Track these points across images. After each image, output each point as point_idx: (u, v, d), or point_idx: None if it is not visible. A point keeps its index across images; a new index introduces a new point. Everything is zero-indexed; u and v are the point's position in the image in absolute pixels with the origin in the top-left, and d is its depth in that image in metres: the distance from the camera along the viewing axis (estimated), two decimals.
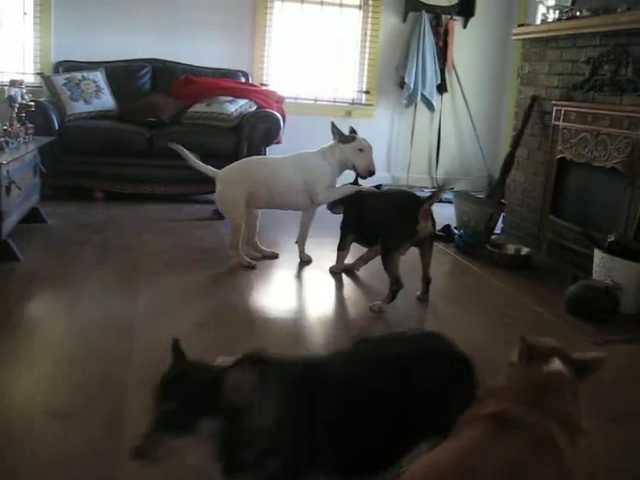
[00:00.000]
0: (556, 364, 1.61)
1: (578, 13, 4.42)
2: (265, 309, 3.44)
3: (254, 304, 3.48)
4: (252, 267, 4.04)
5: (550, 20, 4.78)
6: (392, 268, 3.53)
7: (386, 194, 3.95)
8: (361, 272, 4.12)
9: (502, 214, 5.15)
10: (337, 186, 4.18)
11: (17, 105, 4.48)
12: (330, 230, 4.29)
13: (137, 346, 2.80)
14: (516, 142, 5.03)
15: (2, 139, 4.13)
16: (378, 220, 3.69)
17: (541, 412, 1.47)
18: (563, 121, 4.52)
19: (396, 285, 3.49)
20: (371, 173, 4.11)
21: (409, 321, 3.41)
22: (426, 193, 6.79)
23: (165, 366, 1.59)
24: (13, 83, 4.53)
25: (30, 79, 6.25)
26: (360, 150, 4.11)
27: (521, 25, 5.26)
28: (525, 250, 4.57)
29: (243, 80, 6.47)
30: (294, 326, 3.21)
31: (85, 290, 3.47)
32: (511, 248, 4.63)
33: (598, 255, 3.74)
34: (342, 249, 4.07)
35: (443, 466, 1.34)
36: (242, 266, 4.03)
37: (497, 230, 5.10)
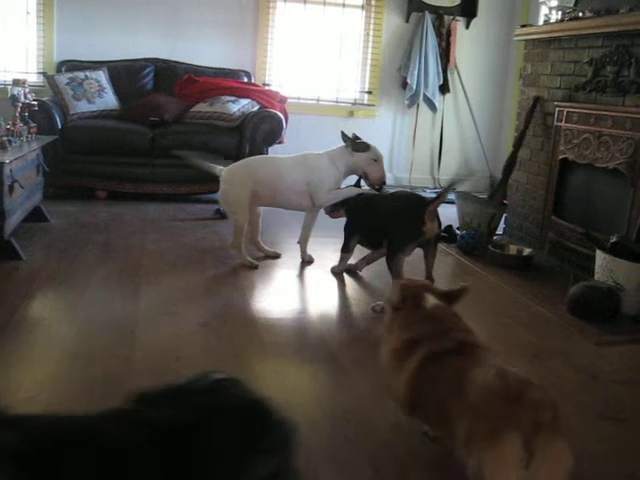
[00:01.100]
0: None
1: (581, 14, 4.42)
2: (267, 309, 3.44)
3: (256, 304, 3.48)
4: (254, 267, 4.04)
5: (553, 21, 4.78)
6: (396, 269, 3.55)
7: (392, 195, 3.92)
8: (363, 272, 4.12)
9: (504, 215, 5.14)
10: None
11: (20, 104, 4.50)
12: (332, 230, 4.30)
13: (139, 345, 2.81)
14: (518, 143, 5.03)
15: (5, 138, 4.15)
16: (383, 222, 3.70)
17: (453, 332, 2.03)
18: (565, 122, 4.52)
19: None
20: (383, 183, 4.10)
21: None
22: (429, 194, 6.83)
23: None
24: (16, 82, 4.53)
25: (33, 78, 6.26)
26: (375, 160, 4.08)
27: (524, 26, 5.25)
28: (527, 251, 4.56)
29: (245, 80, 6.48)
30: (296, 326, 3.21)
31: (87, 289, 3.47)
32: (513, 249, 4.63)
33: (600, 256, 3.74)
34: (346, 251, 4.07)
35: None
36: (244, 266, 4.03)
37: (499, 231, 5.10)
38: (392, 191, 4.08)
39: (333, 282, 3.95)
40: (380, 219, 3.76)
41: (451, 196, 6.28)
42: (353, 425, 2.28)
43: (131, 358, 2.68)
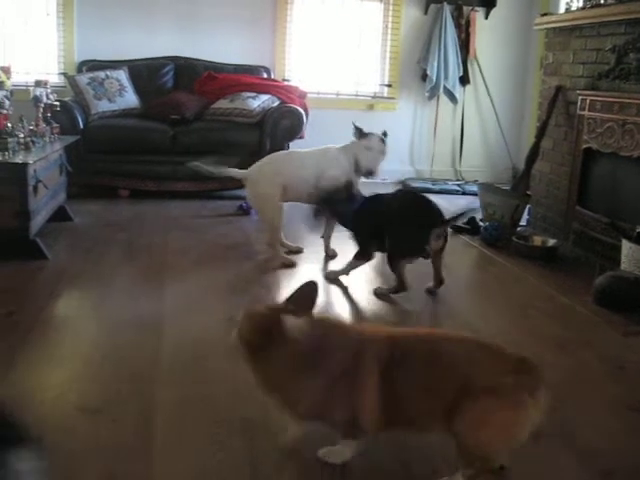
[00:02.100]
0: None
1: (602, 1, 4.37)
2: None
3: (281, 299, 3.46)
4: (292, 265, 4.04)
5: (574, 9, 4.73)
6: (399, 270, 3.55)
7: (404, 202, 3.66)
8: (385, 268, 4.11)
9: (527, 206, 5.11)
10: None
11: (42, 105, 4.54)
12: None
13: (165, 343, 2.82)
14: (541, 133, 4.99)
15: (28, 139, 4.18)
16: (389, 226, 3.54)
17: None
18: (588, 111, 4.47)
19: (400, 287, 3.54)
20: (369, 173, 4.12)
21: (439, 313, 3.40)
22: (450, 186, 6.80)
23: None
24: (38, 83, 4.58)
25: (54, 79, 6.30)
26: (367, 149, 4.11)
27: (544, 14, 5.20)
28: (551, 242, 4.53)
29: (265, 76, 6.49)
30: None
31: (112, 287, 3.50)
32: (537, 240, 4.59)
33: (626, 246, 3.70)
34: (364, 258, 3.77)
35: None
36: (283, 265, 4.02)
37: (522, 222, 5.06)
38: (402, 191, 4.01)
39: (358, 276, 3.94)
40: (386, 222, 3.55)
41: (473, 187, 6.27)
42: None
43: (157, 355, 2.69)
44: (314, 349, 1.80)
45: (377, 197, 3.79)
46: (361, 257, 3.76)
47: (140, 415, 2.21)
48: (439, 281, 3.68)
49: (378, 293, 3.60)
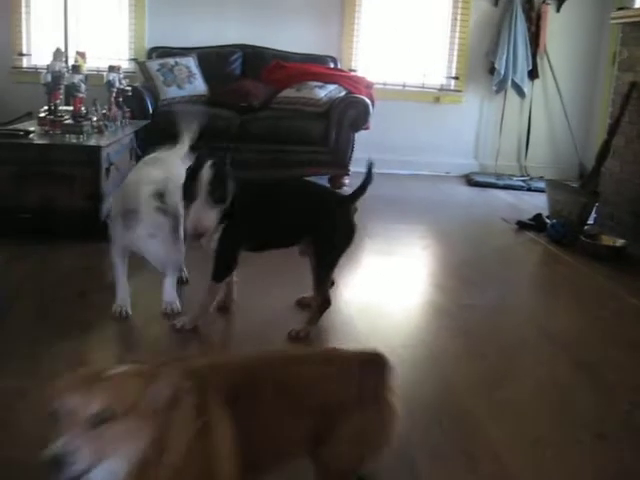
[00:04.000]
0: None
1: None
2: (357, 291, 3.43)
3: (348, 287, 3.45)
4: None
5: None
6: (327, 285, 2.91)
7: (296, 189, 3.08)
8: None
9: (596, 204, 5.01)
10: None
11: (115, 90, 4.62)
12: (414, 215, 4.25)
13: (231, 325, 2.86)
14: (613, 130, 4.88)
15: (101, 122, 4.27)
16: (300, 220, 2.85)
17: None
18: None
19: (326, 304, 2.91)
20: None
21: (503, 309, 3.37)
22: (515, 182, 6.71)
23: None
24: (111, 69, 4.66)
25: (124, 65, 6.41)
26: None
27: (620, 9, 5.09)
28: (620, 241, 4.43)
29: (332, 65, 6.49)
30: (389, 312, 3.21)
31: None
32: (606, 239, 4.50)
33: None
34: (222, 278, 2.87)
35: None
36: None
37: (590, 220, 4.97)
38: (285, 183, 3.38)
39: (422, 267, 3.92)
40: (293, 216, 2.84)
41: (540, 184, 6.18)
42: (447, 414, 2.27)
43: (224, 336, 2.73)
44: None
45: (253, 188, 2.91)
46: (220, 277, 2.88)
47: None
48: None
49: (296, 336, 2.78)
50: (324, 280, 2.85)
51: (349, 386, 1.56)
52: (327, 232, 2.82)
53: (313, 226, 2.81)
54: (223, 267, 2.81)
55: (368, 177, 2.84)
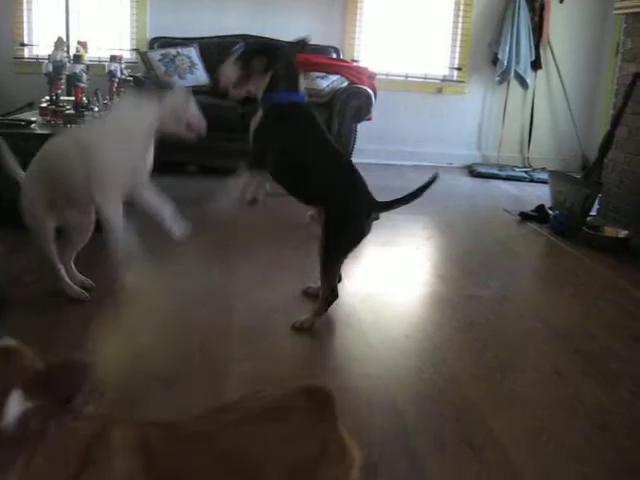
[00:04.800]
0: None
1: None
2: (360, 282, 3.42)
3: (351, 278, 3.45)
4: None
5: None
6: (332, 274, 2.85)
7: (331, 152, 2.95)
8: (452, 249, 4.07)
9: (599, 195, 4.99)
10: None
11: (117, 80, 4.60)
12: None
13: (236, 317, 2.85)
14: (616, 121, 4.86)
15: (103, 113, 4.25)
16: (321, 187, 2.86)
17: None
18: None
19: (332, 296, 2.85)
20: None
21: (506, 301, 3.36)
22: (517, 173, 6.69)
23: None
24: (113, 59, 4.65)
25: (126, 55, 6.39)
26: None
27: None
28: (623, 233, 4.43)
29: (334, 56, 6.47)
30: (392, 303, 3.20)
31: (183, 262, 3.55)
32: (609, 230, 4.49)
33: None
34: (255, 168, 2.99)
35: None
36: None
37: (592, 212, 4.96)
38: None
39: (424, 258, 3.91)
40: (321, 176, 2.86)
41: (543, 175, 6.16)
42: (450, 404, 2.27)
43: (228, 329, 2.73)
44: None
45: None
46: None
47: (212, 387, 2.25)
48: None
49: (301, 327, 2.80)
50: (329, 269, 2.81)
51: (306, 438, 1.30)
52: (339, 216, 2.77)
53: (331, 198, 2.79)
54: (255, 158, 2.93)
55: (419, 191, 2.79)
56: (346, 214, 2.79)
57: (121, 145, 2.79)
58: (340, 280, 3.00)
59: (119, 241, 2.86)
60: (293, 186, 2.93)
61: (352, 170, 2.89)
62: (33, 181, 2.82)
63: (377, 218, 2.89)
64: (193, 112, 2.98)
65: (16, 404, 1.04)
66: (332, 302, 2.86)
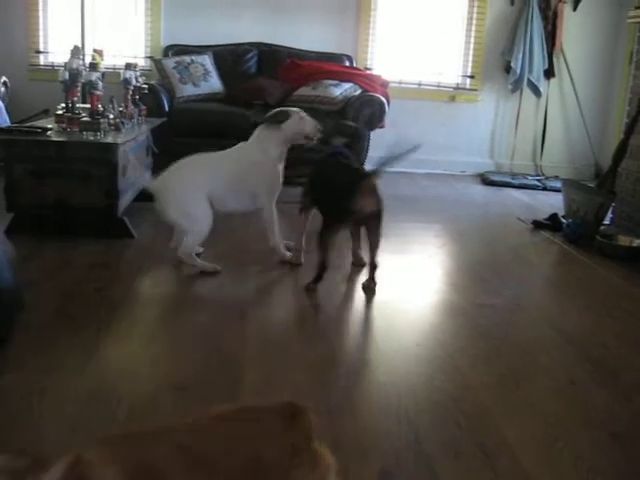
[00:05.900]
0: None
1: None
2: (378, 295, 3.43)
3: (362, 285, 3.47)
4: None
5: None
6: (322, 247, 3.24)
7: (326, 162, 3.64)
8: (464, 258, 4.06)
9: (612, 204, 4.98)
10: None
11: (132, 87, 4.63)
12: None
13: (250, 323, 2.87)
14: (630, 129, 4.85)
15: (118, 120, 4.29)
16: (320, 194, 3.53)
17: None
18: None
19: (321, 268, 3.23)
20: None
21: (518, 309, 3.36)
22: (530, 181, 6.69)
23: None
24: (128, 66, 4.68)
25: (140, 63, 6.44)
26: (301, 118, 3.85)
27: (638, 7, 5.06)
28: (637, 242, 4.41)
29: (347, 64, 6.49)
30: (404, 310, 3.21)
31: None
32: (623, 239, 4.48)
33: None
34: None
35: None
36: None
37: (606, 220, 4.95)
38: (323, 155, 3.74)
39: (437, 266, 3.91)
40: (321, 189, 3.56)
41: (556, 183, 6.16)
42: (464, 412, 2.27)
43: (243, 336, 2.74)
44: None
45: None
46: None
47: (227, 393, 2.26)
48: (372, 267, 3.38)
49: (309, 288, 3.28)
50: (319, 241, 3.25)
51: (274, 441, 1.30)
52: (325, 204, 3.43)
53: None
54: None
55: (404, 154, 3.13)
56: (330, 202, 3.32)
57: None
58: (364, 265, 3.59)
59: (274, 231, 3.71)
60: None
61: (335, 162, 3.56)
62: None
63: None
64: (307, 126, 3.74)
65: None
66: (322, 272, 3.23)
